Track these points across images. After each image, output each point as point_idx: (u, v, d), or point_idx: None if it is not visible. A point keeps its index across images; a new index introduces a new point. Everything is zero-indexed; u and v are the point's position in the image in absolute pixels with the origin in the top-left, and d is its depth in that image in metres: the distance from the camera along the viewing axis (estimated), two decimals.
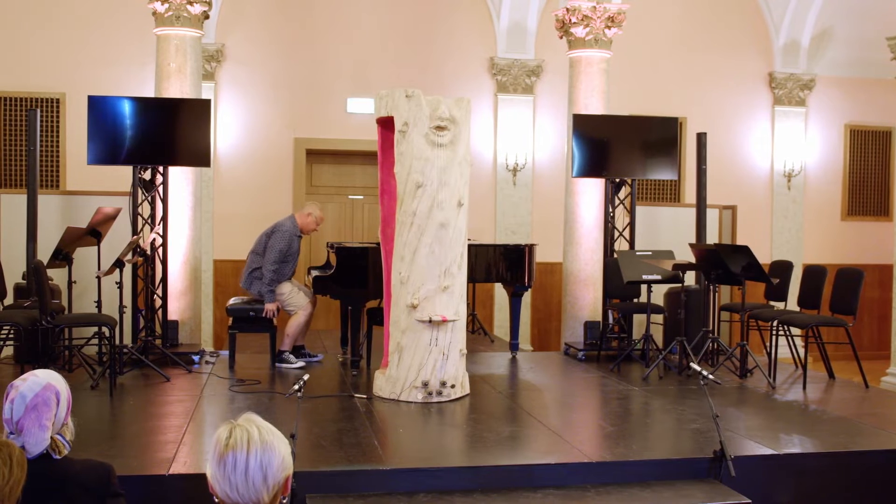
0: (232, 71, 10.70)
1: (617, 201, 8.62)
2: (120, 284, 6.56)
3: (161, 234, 7.78)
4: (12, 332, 7.10)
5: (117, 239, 7.44)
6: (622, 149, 8.48)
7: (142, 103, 7.71)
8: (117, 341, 6.69)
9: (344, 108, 10.93)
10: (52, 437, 2.55)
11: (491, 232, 11.18)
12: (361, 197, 11.35)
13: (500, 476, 4.52)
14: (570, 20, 9.05)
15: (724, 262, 7.00)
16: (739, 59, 11.89)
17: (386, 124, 6.30)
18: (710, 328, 7.62)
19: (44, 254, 7.09)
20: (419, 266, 6.04)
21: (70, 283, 7.10)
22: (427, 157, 6.01)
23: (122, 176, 8.56)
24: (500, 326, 10.86)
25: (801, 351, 7.29)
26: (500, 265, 7.71)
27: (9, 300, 7.41)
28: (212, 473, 1.97)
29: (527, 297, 10.25)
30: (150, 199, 7.80)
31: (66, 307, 7.21)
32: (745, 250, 6.86)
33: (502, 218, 11.24)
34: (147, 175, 7.70)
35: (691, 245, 7.66)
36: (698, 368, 4.78)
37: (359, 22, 10.96)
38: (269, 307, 7.35)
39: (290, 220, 7.54)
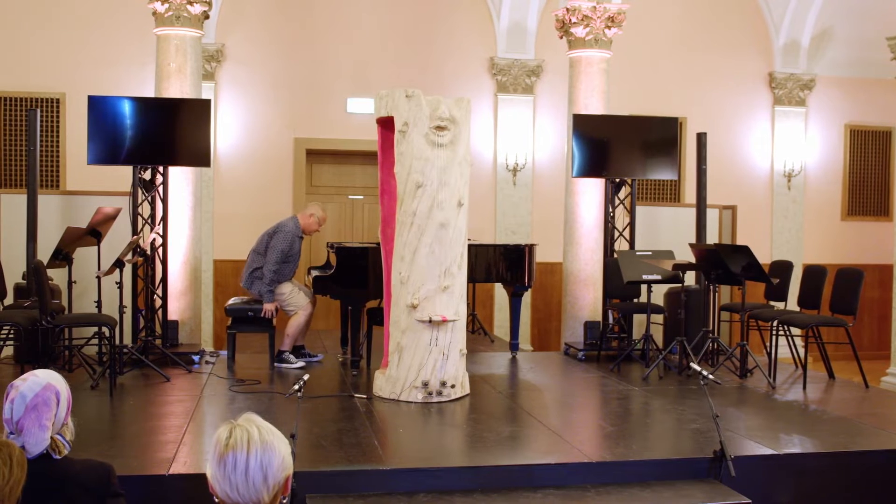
0: (232, 71, 10.70)
1: (617, 201, 8.62)
2: (120, 284, 6.56)
3: (161, 234, 7.78)
4: (12, 332, 7.10)
5: (117, 239, 7.44)
6: (622, 149, 8.47)
7: (142, 103, 7.71)
8: (117, 341, 6.69)
9: (344, 108, 10.93)
10: (52, 437, 2.54)
11: (491, 232, 11.18)
12: (361, 197, 11.35)
13: (500, 476, 4.52)
14: (570, 20, 9.05)
15: (724, 262, 7.00)
16: (739, 59, 11.90)
17: (386, 124, 6.30)
18: (710, 328, 7.62)
19: (44, 254, 7.09)
20: (419, 266, 6.04)
21: (70, 283, 7.10)
22: (427, 157, 6.01)
23: (122, 176, 8.56)
24: (500, 326, 10.86)
25: (801, 351, 7.29)
26: (500, 265, 7.71)
27: (9, 300, 7.41)
28: (212, 473, 1.97)
29: (527, 297, 10.26)
30: (150, 199, 7.80)
31: (66, 307, 7.21)
32: (745, 250, 6.86)
33: (502, 218, 11.25)
34: (147, 175, 7.70)
35: (691, 245, 7.66)
36: (698, 368, 4.77)
37: (359, 22, 10.96)
38: (268, 307, 7.35)
39: (293, 221, 7.54)
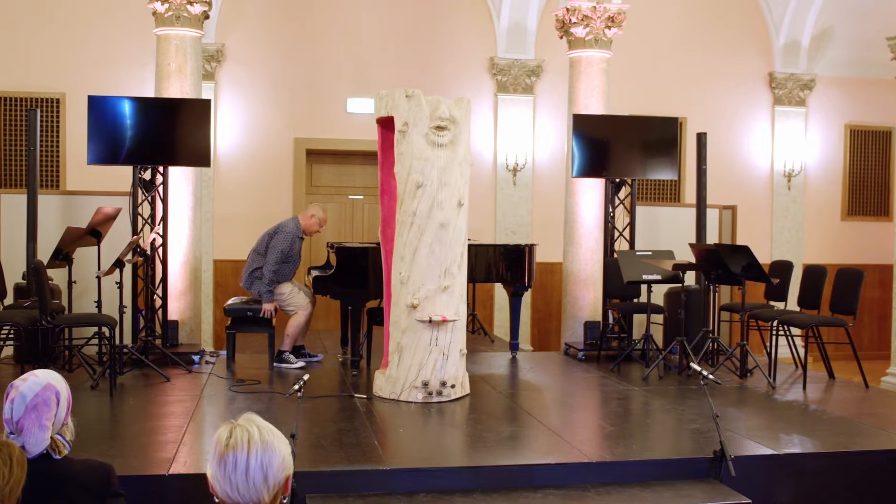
0: (232, 71, 10.70)
1: (617, 201, 8.62)
2: (120, 284, 6.56)
3: (161, 234, 7.78)
4: (12, 332, 7.10)
5: (117, 239, 7.44)
6: (622, 149, 8.47)
7: (142, 103, 7.71)
8: (117, 341, 6.69)
9: (344, 108, 10.93)
10: (52, 437, 2.54)
11: (491, 232, 11.18)
12: (361, 197, 11.35)
13: (500, 476, 4.52)
14: (570, 20, 9.05)
15: (724, 262, 7.00)
16: (739, 59, 11.90)
17: (386, 124, 6.30)
18: (710, 328, 7.62)
19: (44, 254, 7.09)
20: (419, 266, 6.04)
21: (70, 283, 7.10)
22: (427, 157, 6.01)
23: (122, 176, 8.56)
24: (500, 326, 10.86)
25: (801, 351, 7.29)
26: (500, 265, 7.71)
27: (9, 300, 7.41)
28: (212, 473, 1.97)
29: (527, 297, 10.26)
30: (150, 199, 7.80)
31: (66, 307, 7.21)
32: (745, 250, 6.86)
33: (502, 218, 11.25)
34: (147, 175, 7.70)
35: (691, 245, 7.66)
36: (698, 368, 4.77)
37: (359, 22, 10.97)
38: (267, 307, 7.35)
39: (294, 222, 7.54)
